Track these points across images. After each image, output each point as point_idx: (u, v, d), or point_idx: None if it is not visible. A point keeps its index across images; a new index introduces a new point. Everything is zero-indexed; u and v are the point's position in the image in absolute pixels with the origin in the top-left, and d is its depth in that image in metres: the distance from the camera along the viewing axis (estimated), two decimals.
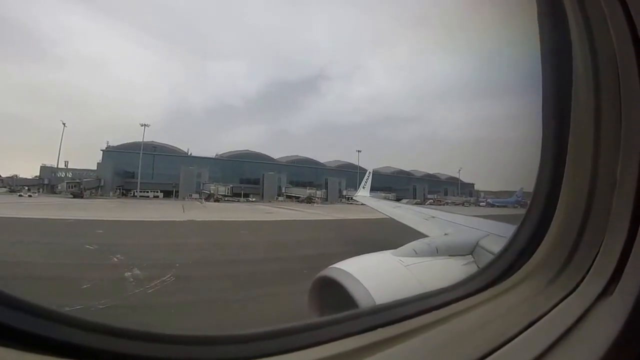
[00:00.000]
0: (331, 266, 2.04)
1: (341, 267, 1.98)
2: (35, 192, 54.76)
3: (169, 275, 9.50)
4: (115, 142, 69.81)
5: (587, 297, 1.06)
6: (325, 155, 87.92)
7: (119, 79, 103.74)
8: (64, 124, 62.08)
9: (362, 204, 17.42)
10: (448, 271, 2.17)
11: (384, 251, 2.35)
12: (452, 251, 2.41)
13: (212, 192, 60.42)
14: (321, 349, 0.88)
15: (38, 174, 64.55)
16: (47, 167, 64.52)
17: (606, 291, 1.04)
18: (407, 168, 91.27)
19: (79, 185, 56.07)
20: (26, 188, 57.52)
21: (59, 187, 56.40)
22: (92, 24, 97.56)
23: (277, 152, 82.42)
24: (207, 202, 54.03)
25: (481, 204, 70.23)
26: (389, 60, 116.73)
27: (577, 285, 1.13)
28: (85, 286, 8.25)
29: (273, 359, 0.84)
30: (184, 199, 62.53)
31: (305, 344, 0.89)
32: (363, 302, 1.72)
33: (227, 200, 60.44)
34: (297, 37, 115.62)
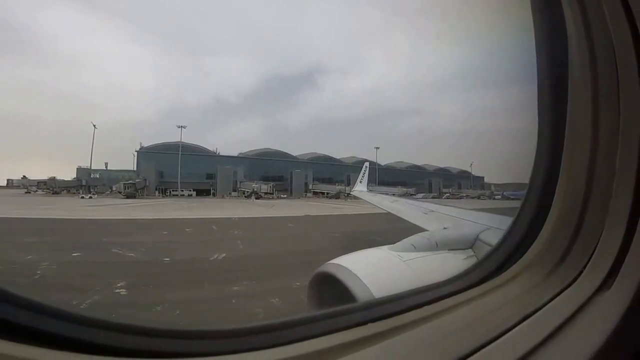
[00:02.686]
0: (329, 262, 2.02)
1: (340, 263, 1.97)
2: (95, 194, 56.53)
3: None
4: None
5: (585, 291, 1.03)
6: (334, 150, 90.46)
7: (116, 77, 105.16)
8: (94, 125, 65.16)
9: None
10: (448, 266, 2.11)
11: (382, 247, 2.32)
12: (451, 245, 2.34)
13: (254, 189, 63.99)
14: (308, 343, 0.90)
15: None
16: (83, 168, 66.15)
17: (604, 285, 1.01)
18: (419, 162, 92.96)
19: (134, 186, 58.52)
20: (61, 190, 59.07)
21: (114, 188, 58.61)
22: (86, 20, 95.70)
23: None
24: (254, 200, 57.71)
25: (497, 197, 69.01)
26: (390, 53, 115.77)
27: (575, 279, 1.10)
28: None
29: (265, 352, 0.85)
30: (222, 197, 65.81)
31: (295, 337, 0.90)
32: (362, 299, 1.69)
33: (266, 197, 64.13)
34: (293, 31, 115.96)
